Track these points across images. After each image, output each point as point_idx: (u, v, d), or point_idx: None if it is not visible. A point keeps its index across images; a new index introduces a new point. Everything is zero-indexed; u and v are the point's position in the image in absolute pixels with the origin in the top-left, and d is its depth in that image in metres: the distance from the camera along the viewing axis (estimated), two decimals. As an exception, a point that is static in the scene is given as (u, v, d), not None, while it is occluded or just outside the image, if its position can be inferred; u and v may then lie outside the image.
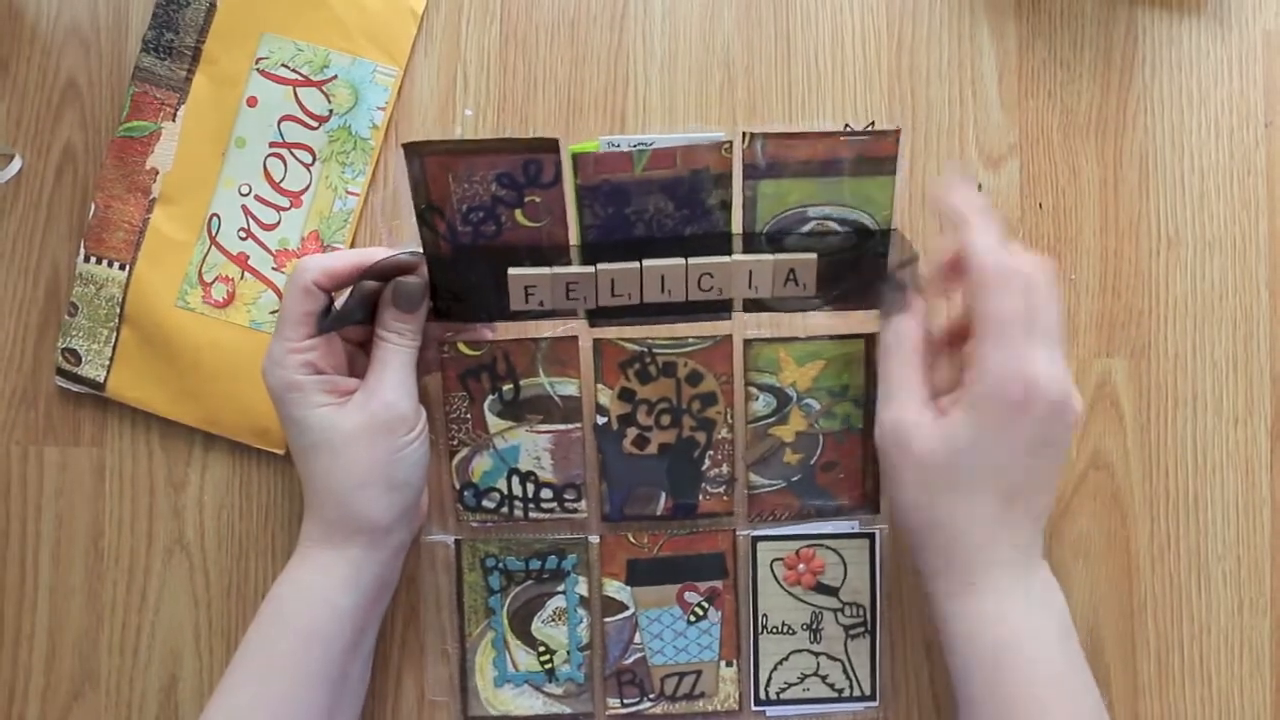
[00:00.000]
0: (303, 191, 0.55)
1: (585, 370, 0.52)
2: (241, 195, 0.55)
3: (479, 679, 0.54)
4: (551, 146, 0.47)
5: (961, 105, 0.57)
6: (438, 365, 0.52)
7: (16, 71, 0.56)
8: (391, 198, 0.56)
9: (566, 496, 0.53)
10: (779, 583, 0.54)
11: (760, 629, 0.54)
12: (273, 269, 0.55)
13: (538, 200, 0.48)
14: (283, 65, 0.55)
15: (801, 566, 0.54)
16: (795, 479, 0.54)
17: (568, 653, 0.54)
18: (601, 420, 0.53)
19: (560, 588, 0.54)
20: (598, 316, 0.51)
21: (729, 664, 0.54)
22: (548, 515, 0.54)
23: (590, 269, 0.49)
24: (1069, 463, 0.56)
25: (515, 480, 0.53)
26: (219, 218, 0.55)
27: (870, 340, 0.52)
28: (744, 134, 0.48)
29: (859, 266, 0.50)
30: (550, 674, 0.54)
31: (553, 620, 0.54)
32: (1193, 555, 0.56)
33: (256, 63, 0.55)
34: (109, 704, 0.54)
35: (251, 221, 0.55)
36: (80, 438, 0.55)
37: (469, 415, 0.53)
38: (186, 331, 0.54)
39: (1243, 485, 0.57)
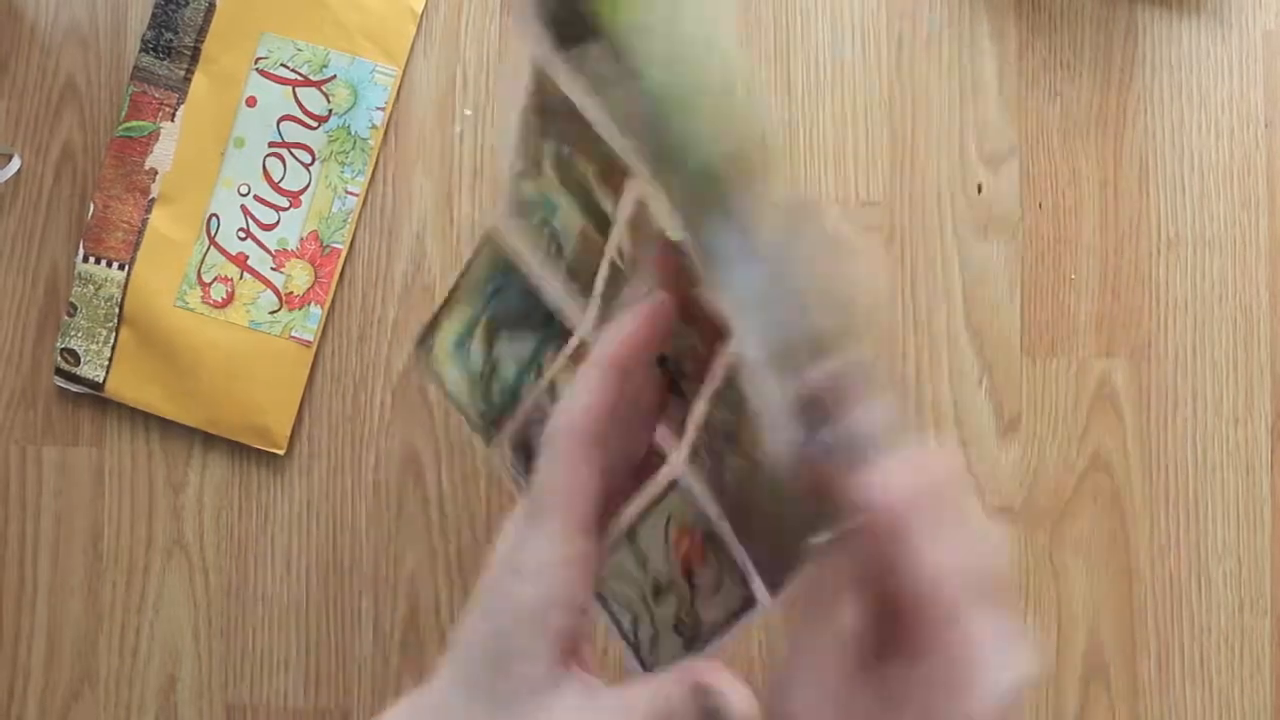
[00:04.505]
0: (302, 191, 0.55)
1: None
2: (240, 195, 0.55)
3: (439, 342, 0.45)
4: None
5: (961, 105, 0.57)
6: None
7: (15, 71, 0.55)
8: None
9: None
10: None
11: None
12: (272, 269, 0.55)
13: None
14: (282, 65, 0.55)
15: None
16: None
17: (498, 388, 0.43)
18: None
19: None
20: None
21: None
22: None
23: None
24: (1070, 464, 0.56)
25: None
26: (218, 218, 0.55)
27: None
28: None
29: None
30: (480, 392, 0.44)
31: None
32: (1193, 556, 0.56)
33: (256, 62, 0.55)
34: (108, 704, 0.54)
35: (250, 221, 0.55)
36: (79, 438, 0.55)
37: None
38: (186, 332, 0.54)
39: (1243, 485, 0.57)
